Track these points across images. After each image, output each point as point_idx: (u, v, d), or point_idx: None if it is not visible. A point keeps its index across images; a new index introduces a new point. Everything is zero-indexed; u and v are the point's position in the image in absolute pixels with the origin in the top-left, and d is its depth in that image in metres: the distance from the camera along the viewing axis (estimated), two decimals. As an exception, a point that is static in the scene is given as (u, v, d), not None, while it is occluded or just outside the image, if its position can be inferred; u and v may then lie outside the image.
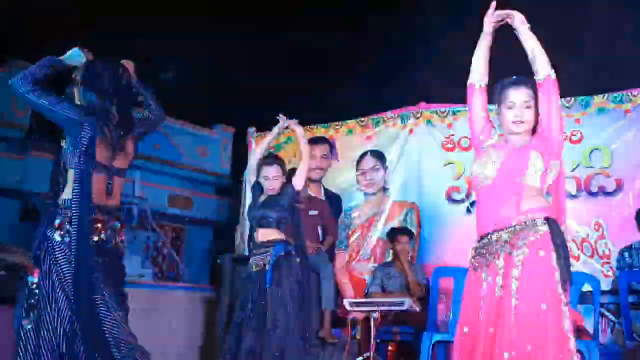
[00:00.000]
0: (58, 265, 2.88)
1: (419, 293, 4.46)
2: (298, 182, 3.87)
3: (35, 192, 9.20)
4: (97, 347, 2.82)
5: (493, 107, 2.81)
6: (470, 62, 2.81)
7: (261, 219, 3.77)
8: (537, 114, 2.67)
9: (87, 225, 2.88)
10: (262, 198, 3.87)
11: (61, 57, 3.13)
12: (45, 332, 2.87)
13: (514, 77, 2.72)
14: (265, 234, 3.76)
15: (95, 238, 2.93)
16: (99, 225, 2.95)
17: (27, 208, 9.57)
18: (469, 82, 2.82)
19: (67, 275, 2.86)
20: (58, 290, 2.88)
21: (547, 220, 2.58)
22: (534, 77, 2.66)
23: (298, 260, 3.76)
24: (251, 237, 3.97)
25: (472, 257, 2.70)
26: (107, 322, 2.84)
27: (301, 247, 3.84)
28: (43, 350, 2.84)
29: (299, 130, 4.02)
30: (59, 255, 2.90)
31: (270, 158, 4.01)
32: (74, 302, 2.85)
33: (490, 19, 2.74)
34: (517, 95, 2.68)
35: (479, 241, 2.69)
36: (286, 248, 3.72)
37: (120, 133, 3.02)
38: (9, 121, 9.03)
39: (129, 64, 3.16)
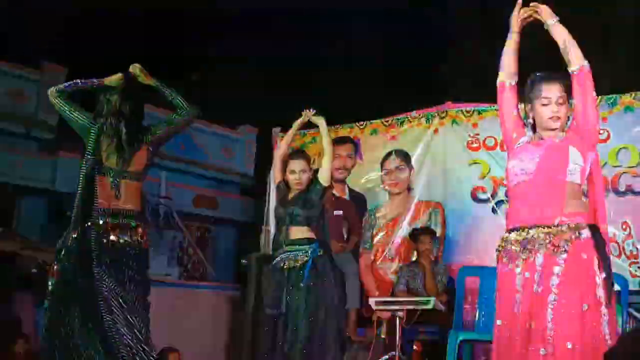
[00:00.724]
0: (62, 264, 2.99)
1: (435, 293, 4.46)
2: (324, 176, 3.86)
3: (65, 192, 9.38)
4: (97, 348, 2.94)
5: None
6: (496, 62, 2.82)
7: (291, 216, 3.78)
8: (568, 109, 2.67)
9: (85, 226, 2.96)
10: (291, 195, 3.88)
11: (103, 80, 3.25)
12: (57, 329, 3.02)
13: (545, 72, 2.70)
14: (295, 232, 3.77)
15: (104, 239, 3.00)
16: (107, 226, 3.03)
17: (57, 208, 9.75)
18: (499, 80, 2.82)
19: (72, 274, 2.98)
20: (66, 289, 3.06)
21: (590, 227, 2.58)
22: (568, 69, 2.64)
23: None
24: (276, 234, 3.98)
25: (502, 247, 2.68)
26: (105, 324, 2.97)
27: (326, 246, 3.86)
28: (58, 346, 2.94)
29: (321, 122, 4.01)
30: (66, 255, 3.02)
31: (296, 152, 4.03)
32: (77, 302, 2.94)
33: (518, 17, 2.74)
34: (552, 91, 2.66)
35: (510, 231, 2.67)
36: (320, 246, 3.73)
37: (131, 140, 3.11)
38: (40, 122, 9.22)
39: (134, 68, 3.21)
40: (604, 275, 2.52)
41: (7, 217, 9.01)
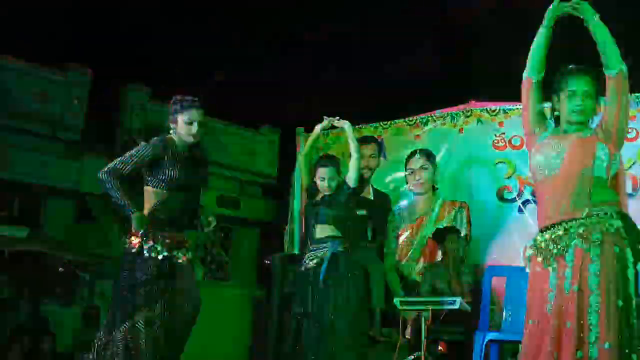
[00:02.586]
0: None
1: (461, 293, 4.42)
2: (352, 177, 3.89)
3: (91, 194, 9.49)
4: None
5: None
6: (522, 60, 2.79)
7: (318, 216, 3.82)
8: (597, 105, 2.64)
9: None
10: (319, 196, 3.92)
11: None
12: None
13: (575, 65, 2.68)
14: (322, 231, 3.81)
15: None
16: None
17: (83, 209, 9.87)
18: (525, 75, 2.79)
19: None
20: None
21: (620, 214, 2.54)
22: (605, 71, 2.61)
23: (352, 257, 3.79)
24: (307, 235, 4.02)
25: (536, 247, 2.64)
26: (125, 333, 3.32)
27: (350, 245, 3.88)
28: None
29: (346, 126, 4.04)
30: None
31: (325, 159, 4.05)
32: None
33: (555, 11, 2.69)
34: (579, 84, 2.63)
35: (542, 231, 2.64)
36: (342, 244, 3.75)
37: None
38: (65, 123, 9.35)
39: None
40: (636, 268, 2.49)
41: (34, 217, 9.15)
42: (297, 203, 5.73)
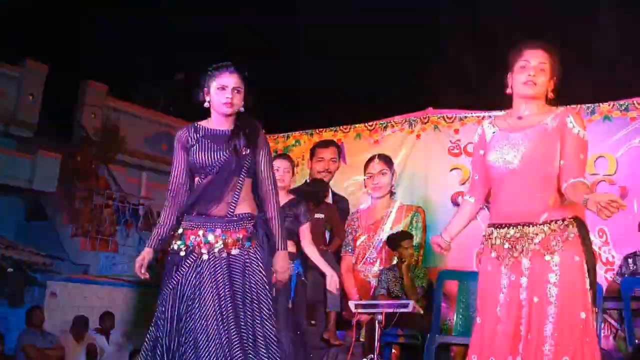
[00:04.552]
0: None
1: (415, 296, 4.49)
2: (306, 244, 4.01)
3: (43, 192, 9.28)
4: None
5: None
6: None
7: None
8: (550, 83, 2.54)
9: None
10: None
11: None
12: None
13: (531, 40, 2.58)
14: None
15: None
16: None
17: (35, 207, 9.64)
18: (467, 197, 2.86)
19: None
20: None
21: (576, 220, 2.47)
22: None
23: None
24: None
25: (489, 243, 2.56)
26: None
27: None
28: None
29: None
30: None
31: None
32: None
33: None
34: (533, 55, 2.53)
35: (495, 227, 2.55)
36: (303, 265, 3.81)
37: None
38: (19, 120, 9.12)
39: None
40: (590, 277, 2.43)
41: (-17, 215, 8.89)
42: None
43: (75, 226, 9.28)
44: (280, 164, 4.00)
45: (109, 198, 9.71)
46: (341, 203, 5.06)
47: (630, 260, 4.49)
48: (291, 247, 3.78)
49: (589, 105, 4.94)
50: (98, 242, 9.22)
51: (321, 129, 5.78)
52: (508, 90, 2.63)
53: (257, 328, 2.69)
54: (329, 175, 4.96)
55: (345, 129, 5.80)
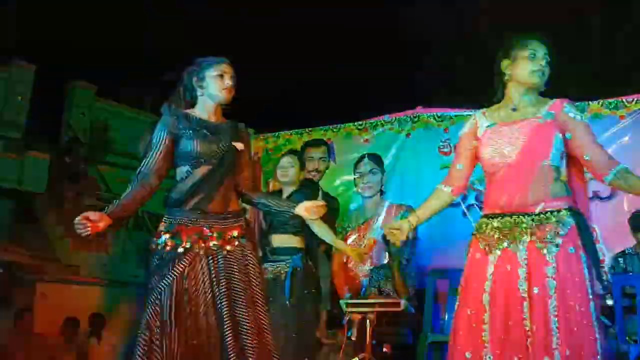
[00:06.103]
0: None
1: (406, 295, 4.49)
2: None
3: (32, 193, 9.21)
4: None
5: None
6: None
7: (276, 224, 3.83)
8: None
9: None
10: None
11: None
12: None
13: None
14: (280, 240, 3.83)
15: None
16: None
17: (24, 208, 9.57)
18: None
19: None
20: None
21: (572, 211, 2.45)
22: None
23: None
24: (261, 240, 3.98)
25: (481, 232, 2.54)
26: None
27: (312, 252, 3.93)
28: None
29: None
30: None
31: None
32: None
33: None
34: (541, 47, 2.56)
35: (489, 217, 2.55)
36: (303, 258, 3.79)
37: None
38: (7, 121, 9.05)
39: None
40: (591, 269, 2.41)
41: (-28, 217, 8.82)
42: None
43: (65, 227, 9.22)
44: (287, 161, 4.03)
45: (98, 199, 9.65)
46: (331, 202, 5.05)
47: (620, 260, 4.51)
48: (296, 242, 3.79)
49: (579, 103, 4.94)
50: (88, 243, 9.17)
51: (311, 129, 5.77)
52: (505, 78, 2.62)
53: (254, 323, 2.69)
54: (318, 174, 4.96)
55: (335, 128, 5.79)
